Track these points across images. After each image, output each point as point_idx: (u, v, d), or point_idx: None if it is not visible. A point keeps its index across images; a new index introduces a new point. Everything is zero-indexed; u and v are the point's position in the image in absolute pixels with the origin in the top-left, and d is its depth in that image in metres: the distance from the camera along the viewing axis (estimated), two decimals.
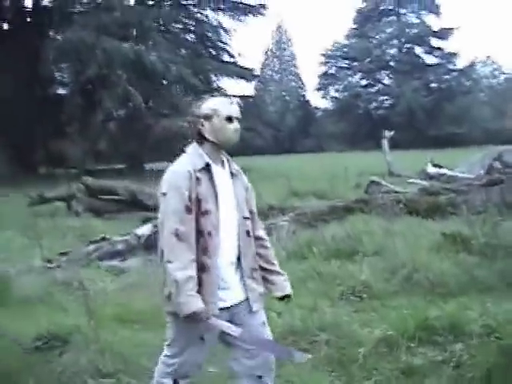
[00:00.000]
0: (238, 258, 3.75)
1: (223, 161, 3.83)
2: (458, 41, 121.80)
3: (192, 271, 3.46)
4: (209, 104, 3.75)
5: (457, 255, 7.92)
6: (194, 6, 41.30)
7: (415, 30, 68.93)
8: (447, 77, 68.70)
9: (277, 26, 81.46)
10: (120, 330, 6.20)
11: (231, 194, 3.77)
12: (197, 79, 36.21)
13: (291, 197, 17.33)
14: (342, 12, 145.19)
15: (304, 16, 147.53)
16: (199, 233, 3.57)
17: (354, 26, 71.17)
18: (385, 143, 26.88)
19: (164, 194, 3.61)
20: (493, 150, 22.03)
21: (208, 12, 41.65)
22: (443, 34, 67.81)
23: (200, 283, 3.51)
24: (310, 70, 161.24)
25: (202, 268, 3.54)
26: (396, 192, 13.52)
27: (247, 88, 69.34)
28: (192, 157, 3.71)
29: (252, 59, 69.93)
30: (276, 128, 46.58)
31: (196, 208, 3.57)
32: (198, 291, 3.47)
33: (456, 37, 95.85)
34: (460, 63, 69.55)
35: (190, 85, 34.78)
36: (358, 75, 69.70)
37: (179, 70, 33.54)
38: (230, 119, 3.71)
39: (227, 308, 3.67)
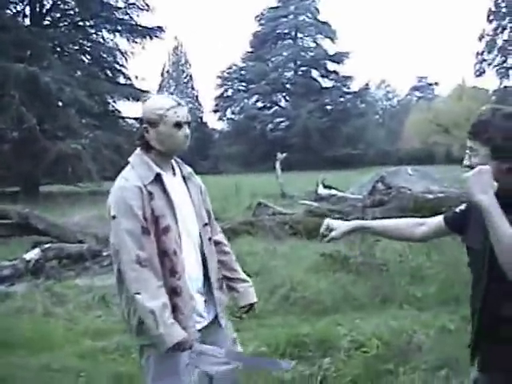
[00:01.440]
0: (204, 270, 3.44)
1: (173, 167, 3.47)
2: (352, 64, 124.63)
3: (164, 298, 3.12)
4: (154, 107, 3.31)
5: (334, 274, 8.30)
6: (91, 26, 40.72)
7: (311, 54, 70.28)
8: (342, 99, 70.20)
9: (174, 48, 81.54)
10: (5, 356, 6.10)
11: (188, 202, 3.42)
12: (92, 101, 35.78)
13: None
14: (239, 35, 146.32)
15: (201, 38, 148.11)
16: (163, 253, 3.19)
17: (251, 49, 71.81)
18: (277, 165, 27.16)
19: (114, 217, 3.18)
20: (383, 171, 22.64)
21: (105, 33, 41.21)
22: (338, 57, 69.30)
23: (174, 308, 3.18)
24: (207, 92, 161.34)
25: (173, 292, 3.20)
26: (283, 214, 13.86)
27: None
28: (139, 169, 3.30)
29: (149, 81, 69.46)
30: None
31: (154, 226, 3.18)
32: (175, 317, 3.16)
33: (351, 61, 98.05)
34: (355, 86, 71.24)
35: (85, 107, 34.31)
36: (255, 97, 70.28)
37: (74, 91, 33.02)
38: (178, 125, 3.28)
39: (199, 330, 3.37)
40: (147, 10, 40.60)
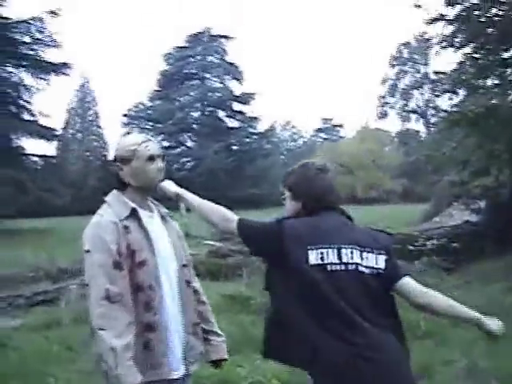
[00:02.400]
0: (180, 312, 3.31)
1: (150, 205, 3.45)
2: (259, 105, 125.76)
3: (130, 338, 2.99)
4: (126, 144, 3.35)
5: (235, 315, 8.35)
6: None
7: (218, 94, 70.43)
8: (248, 140, 70.39)
9: (80, 85, 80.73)
10: None
11: (166, 240, 3.37)
12: None
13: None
14: (147, 73, 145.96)
15: (109, 76, 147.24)
16: (138, 288, 3.12)
17: (158, 88, 71.73)
18: (181, 206, 27.02)
19: (87, 251, 3.14)
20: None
21: (9, 68, 40.61)
22: (245, 98, 69.66)
23: (147, 345, 3.11)
24: (113, 131, 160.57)
25: (148, 327, 3.12)
26: None
27: (48, 148, 67.24)
28: (114, 205, 3.27)
29: (54, 118, 68.59)
30: (78, 188, 45.91)
31: (130, 261, 3.12)
32: (147, 354, 3.09)
33: (257, 101, 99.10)
34: (261, 127, 71.74)
35: None
36: (161, 137, 70.09)
37: None
38: (151, 159, 3.31)
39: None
40: (54, 46, 40.19)
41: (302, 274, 2.90)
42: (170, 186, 3.44)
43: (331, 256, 2.94)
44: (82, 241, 3.18)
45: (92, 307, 3.02)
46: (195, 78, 71.86)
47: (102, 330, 2.96)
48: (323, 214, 3.12)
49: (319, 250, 2.94)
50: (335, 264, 2.93)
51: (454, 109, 16.61)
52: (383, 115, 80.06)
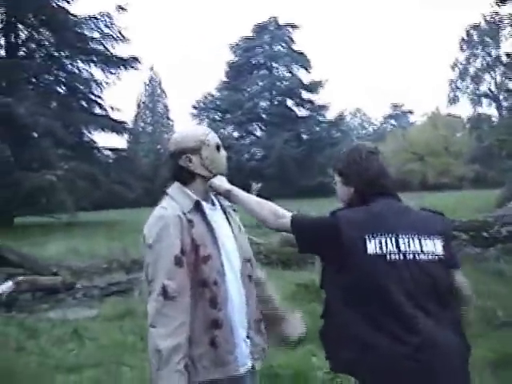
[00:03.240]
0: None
1: (212, 198, 3.38)
2: (327, 93, 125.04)
3: (181, 338, 2.90)
4: (193, 135, 3.29)
5: (309, 304, 8.26)
6: (66, 57, 40.78)
7: (286, 83, 70.33)
8: (318, 128, 70.13)
9: (149, 79, 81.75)
10: None
11: (229, 234, 3.30)
12: (67, 132, 35.77)
13: None
14: (215, 65, 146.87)
15: (177, 68, 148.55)
16: (203, 283, 3.04)
17: (226, 79, 72.02)
18: (253, 194, 27.06)
19: (150, 246, 3.03)
20: None
21: (80, 64, 41.31)
22: (313, 87, 69.42)
23: (213, 342, 3.03)
24: (183, 123, 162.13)
25: (213, 324, 3.04)
26: (258, 243, 13.86)
27: (119, 141, 68.20)
28: (178, 198, 3.18)
29: (124, 112, 69.39)
30: (149, 180, 46.43)
31: (194, 255, 3.04)
32: (213, 351, 3.03)
33: (326, 90, 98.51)
34: (330, 115, 71.27)
35: (60, 138, 34.26)
36: (230, 127, 70.39)
37: (49, 122, 33.02)
38: (218, 147, 3.31)
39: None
40: (122, 41, 40.79)
41: (360, 264, 2.80)
42: (220, 182, 3.31)
43: (390, 245, 2.83)
44: (144, 234, 3.09)
45: (149, 302, 2.96)
46: (263, 67, 71.91)
47: (153, 327, 2.91)
48: (378, 200, 3.00)
49: (377, 239, 2.82)
50: (394, 253, 2.82)
51: None
52: (454, 100, 78.79)
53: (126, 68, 41.25)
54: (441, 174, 64.80)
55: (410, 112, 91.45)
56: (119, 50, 43.61)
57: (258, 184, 28.97)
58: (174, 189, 3.26)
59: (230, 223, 3.34)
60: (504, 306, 7.71)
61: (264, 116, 70.66)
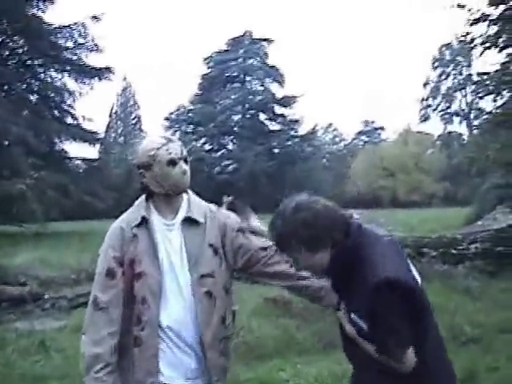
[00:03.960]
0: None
1: (178, 211, 3.22)
2: (300, 108, 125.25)
3: (105, 348, 2.95)
4: (144, 150, 3.16)
5: (277, 319, 8.32)
6: (40, 66, 40.64)
7: (259, 97, 70.27)
8: (289, 143, 70.01)
9: (122, 89, 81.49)
10: None
11: (181, 251, 3.13)
12: (39, 141, 35.57)
13: None
14: (188, 77, 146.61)
15: (150, 80, 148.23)
16: (132, 300, 3.02)
17: (199, 92, 71.92)
18: (223, 208, 27.01)
19: (98, 255, 3.14)
20: None
21: (53, 73, 41.16)
22: (286, 101, 69.37)
23: (132, 359, 3.02)
24: (155, 134, 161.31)
25: (134, 341, 3.03)
26: None
27: (90, 151, 67.49)
28: (130, 211, 3.20)
29: (97, 122, 69.12)
30: (120, 191, 46.22)
31: (130, 270, 3.03)
32: (126, 367, 3.03)
33: (298, 104, 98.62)
34: (302, 130, 71.19)
35: (32, 146, 34.01)
36: (203, 140, 70.23)
37: (20, 131, 32.82)
38: (172, 163, 3.12)
39: None
40: (96, 51, 40.62)
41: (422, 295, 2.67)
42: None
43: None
44: None
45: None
46: (236, 81, 71.86)
47: (84, 334, 3.02)
48: (366, 235, 2.75)
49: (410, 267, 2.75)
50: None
51: (498, 110, 16.39)
52: (425, 118, 79.64)
53: (99, 78, 41.06)
54: (411, 191, 65.34)
55: (382, 128, 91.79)
56: (93, 59, 43.58)
57: (228, 197, 29.14)
58: (137, 201, 3.26)
59: (193, 237, 3.17)
60: (471, 323, 7.79)
61: (236, 129, 70.53)
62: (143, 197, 3.24)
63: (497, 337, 7.69)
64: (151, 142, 3.19)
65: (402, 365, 2.52)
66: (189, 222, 3.20)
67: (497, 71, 16.29)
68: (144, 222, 3.11)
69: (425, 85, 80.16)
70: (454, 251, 13.52)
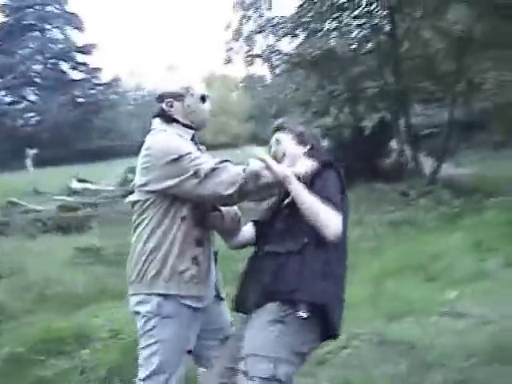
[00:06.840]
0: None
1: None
2: (102, 56, 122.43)
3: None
4: (180, 81, 3.27)
5: (89, 266, 8.39)
6: None
7: (60, 46, 68.03)
8: (93, 91, 68.91)
9: None
10: None
11: None
12: None
13: None
14: None
15: None
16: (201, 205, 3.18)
17: None
18: (28, 161, 26.40)
19: (176, 160, 3.03)
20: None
21: None
22: (87, 49, 67.82)
23: (196, 260, 3.17)
24: None
25: (197, 242, 3.20)
26: (36, 211, 13.61)
27: None
28: (175, 127, 3.24)
29: None
30: None
31: None
32: (194, 270, 3.16)
33: (100, 52, 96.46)
34: (105, 78, 70.01)
35: None
36: (3, 92, 67.48)
37: None
38: (203, 98, 3.26)
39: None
40: None
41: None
42: (273, 164, 3.08)
43: None
44: (157, 154, 3.17)
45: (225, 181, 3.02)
46: (35, 29, 69.13)
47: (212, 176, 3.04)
48: None
49: None
50: None
51: (295, 51, 16.96)
52: (229, 61, 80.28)
53: None
54: (218, 133, 66.21)
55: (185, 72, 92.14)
56: None
57: (33, 150, 28.35)
58: (160, 123, 3.31)
59: None
60: None
61: (38, 80, 68.24)
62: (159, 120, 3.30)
63: None
64: (186, 76, 3.36)
65: (331, 229, 2.86)
66: None
67: (294, 14, 16.82)
68: (193, 139, 3.31)
69: (227, 28, 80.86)
70: None
